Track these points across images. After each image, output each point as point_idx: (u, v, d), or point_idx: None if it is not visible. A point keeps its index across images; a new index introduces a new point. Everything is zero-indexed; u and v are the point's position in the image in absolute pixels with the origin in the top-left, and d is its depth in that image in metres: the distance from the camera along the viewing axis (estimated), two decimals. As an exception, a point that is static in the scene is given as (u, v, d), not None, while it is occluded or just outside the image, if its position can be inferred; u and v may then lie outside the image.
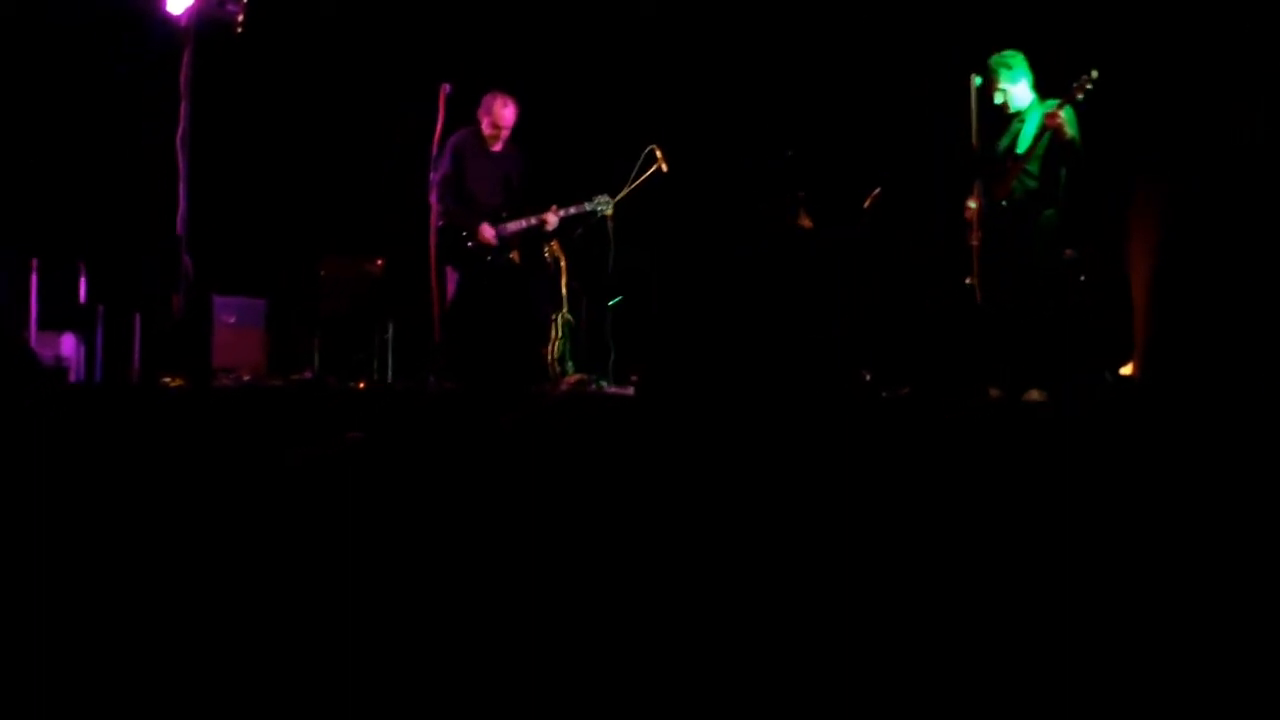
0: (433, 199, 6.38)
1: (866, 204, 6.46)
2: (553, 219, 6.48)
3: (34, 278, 6.65)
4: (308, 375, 7.35)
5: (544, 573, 2.42)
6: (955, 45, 6.53)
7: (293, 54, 7.73)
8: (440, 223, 6.35)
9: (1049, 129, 5.44)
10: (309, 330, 7.69)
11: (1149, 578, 2.39)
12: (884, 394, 5.77)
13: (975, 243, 5.70)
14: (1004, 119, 5.71)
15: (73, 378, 6.74)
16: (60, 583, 2.28)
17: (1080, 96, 5.38)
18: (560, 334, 6.93)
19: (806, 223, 6.14)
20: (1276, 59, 5.27)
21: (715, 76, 7.41)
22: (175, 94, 5.04)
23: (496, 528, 2.66)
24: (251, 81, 7.51)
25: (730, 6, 7.49)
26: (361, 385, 6.89)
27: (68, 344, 6.86)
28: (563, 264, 6.90)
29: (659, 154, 6.50)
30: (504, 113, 6.40)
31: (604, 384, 6.83)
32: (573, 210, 6.51)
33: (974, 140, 5.73)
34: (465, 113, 6.45)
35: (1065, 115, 5.41)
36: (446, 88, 6.22)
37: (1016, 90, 5.63)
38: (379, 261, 7.74)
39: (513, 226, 6.46)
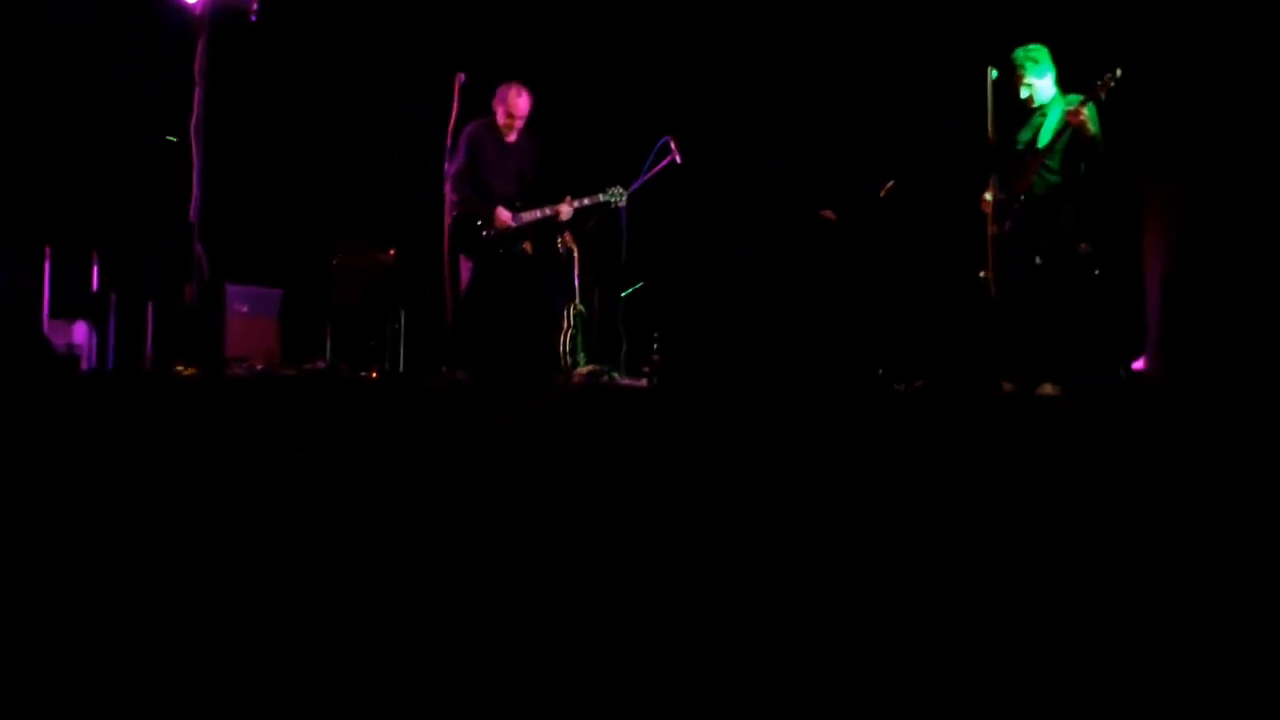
0: (447, 189, 6.38)
1: (882, 193, 6.44)
2: (566, 210, 6.48)
3: (47, 265, 6.67)
4: (320, 365, 7.35)
5: (555, 569, 2.41)
6: (962, 39, 6.53)
7: (308, 43, 7.73)
8: (455, 212, 6.35)
9: (1071, 126, 5.42)
10: (321, 320, 7.69)
11: (1161, 572, 2.38)
12: (898, 387, 5.76)
13: (991, 235, 5.69)
14: (1022, 112, 5.70)
15: (85, 366, 6.76)
16: (68, 571, 2.28)
17: (1103, 96, 5.37)
18: (573, 325, 6.93)
19: (829, 215, 6.13)
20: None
21: (726, 69, 7.39)
22: (189, 82, 5.04)
23: (505, 523, 2.66)
24: (266, 70, 7.52)
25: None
26: (374, 375, 6.89)
27: (80, 332, 6.88)
28: (575, 255, 6.90)
29: (673, 145, 6.50)
30: (518, 102, 6.40)
31: (616, 375, 6.83)
32: (586, 202, 6.52)
33: (990, 133, 5.71)
34: (480, 103, 6.44)
35: (1088, 113, 5.40)
36: (461, 78, 6.22)
37: (1042, 85, 5.63)
38: (391, 251, 7.74)
39: (527, 216, 6.46)
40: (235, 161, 6.82)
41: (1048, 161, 5.58)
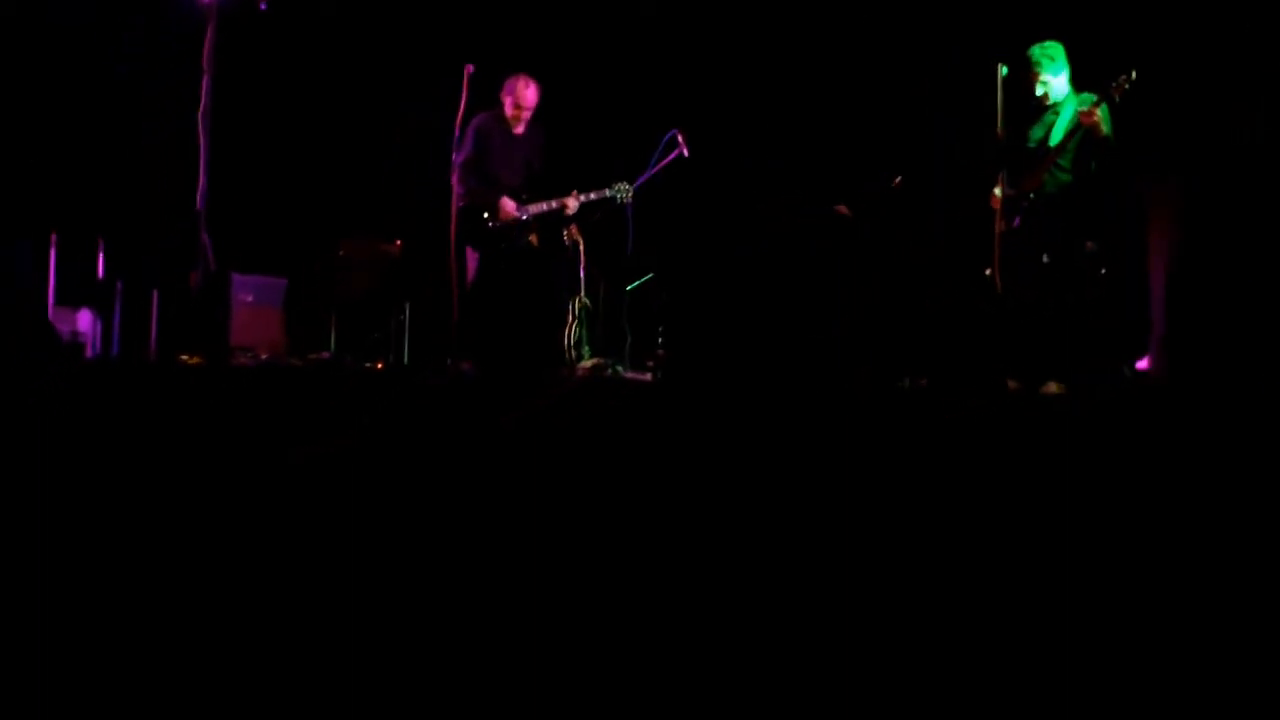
0: (454, 180, 6.38)
1: (895, 183, 6.43)
2: (573, 204, 6.49)
3: (53, 253, 6.67)
4: (325, 356, 7.35)
5: (558, 564, 2.41)
6: (968, 36, 6.52)
7: (316, 32, 7.72)
8: (461, 204, 6.35)
9: (1085, 127, 5.42)
10: (326, 310, 7.69)
11: (1165, 571, 2.38)
12: (904, 384, 5.75)
13: (999, 233, 5.69)
14: (1034, 109, 5.69)
15: (89, 353, 6.76)
16: (71, 559, 2.28)
17: (1118, 98, 5.36)
18: (577, 318, 6.93)
19: (844, 210, 6.12)
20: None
21: (730, 65, 7.39)
22: (197, 70, 5.04)
23: (508, 517, 2.66)
24: (273, 60, 7.51)
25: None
26: (379, 366, 6.90)
27: (85, 319, 6.89)
28: (581, 248, 6.89)
29: (680, 139, 6.49)
30: (526, 93, 6.40)
31: (620, 369, 6.83)
32: (593, 196, 6.52)
33: (999, 130, 5.69)
34: (488, 95, 6.44)
35: (1101, 113, 5.40)
36: (470, 69, 6.21)
37: (1057, 83, 5.62)
38: (398, 243, 7.74)
39: (533, 209, 6.47)
40: (242, 151, 6.83)
41: (1059, 160, 5.58)
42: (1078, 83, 5.65)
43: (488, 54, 6.38)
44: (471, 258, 6.46)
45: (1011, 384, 5.48)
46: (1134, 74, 5.30)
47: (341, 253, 7.67)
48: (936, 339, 6.28)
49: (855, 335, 5.40)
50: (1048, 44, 5.63)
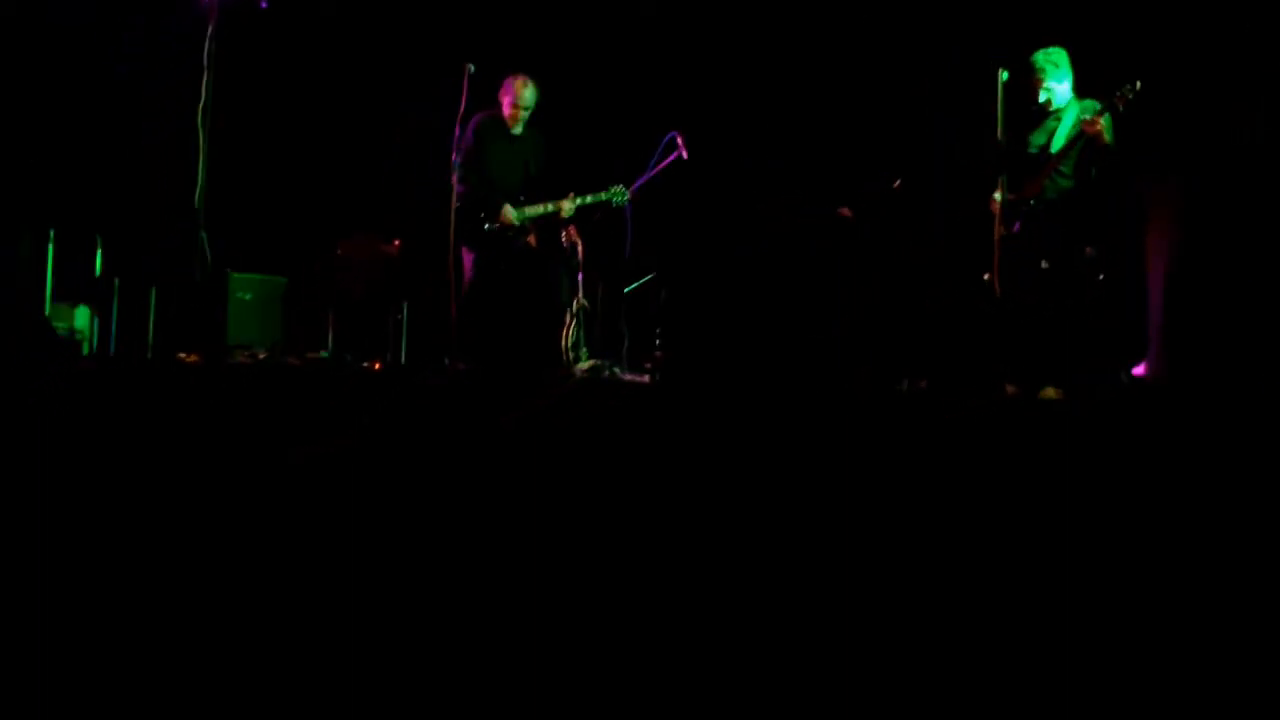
0: (454, 180, 6.37)
1: (895, 185, 6.43)
2: (569, 206, 6.49)
3: (50, 250, 6.66)
4: (323, 355, 7.35)
5: (557, 564, 2.41)
6: (967, 39, 6.53)
7: (316, 31, 7.72)
8: (459, 204, 6.34)
9: (1087, 135, 5.43)
10: (325, 310, 7.69)
11: (1162, 575, 2.38)
12: (903, 387, 5.76)
13: (998, 237, 5.69)
14: (1035, 114, 5.70)
15: (86, 351, 6.76)
16: (68, 558, 2.28)
17: (1121, 108, 5.37)
18: (575, 319, 6.93)
19: (846, 212, 6.12)
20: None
21: (731, 66, 7.39)
22: (197, 68, 5.04)
23: (506, 521, 2.66)
24: (273, 58, 7.51)
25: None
26: (377, 366, 6.89)
27: (82, 317, 6.88)
28: (580, 249, 6.89)
29: (680, 141, 6.49)
30: (524, 92, 6.40)
31: (618, 370, 6.84)
32: (589, 199, 6.52)
33: (999, 135, 5.69)
34: (488, 96, 6.44)
35: (1104, 123, 5.41)
36: (470, 69, 6.20)
37: (1061, 89, 5.64)
38: (396, 243, 7.74)
39: (530, 211, 6.46)
40: (241, 149, 6.82)
41: (1061, 166, 5.59)
42: (1079, 88, 5.66)
43: (487, 54, 6.37)
44: (467, 257, 6.45)
45: (1009, 388, 5.49)
46: (1138, 84, 5.31)
47: (340, 252, 7.67)
48: (935, 342, 6.29)
49: (855, 336, 5.40)
50: (1051, 50, 5.63)
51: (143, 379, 4.18)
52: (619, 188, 6.53)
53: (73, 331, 6.79)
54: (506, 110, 6.44)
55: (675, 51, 7.48)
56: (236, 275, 7.65)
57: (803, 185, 6.50)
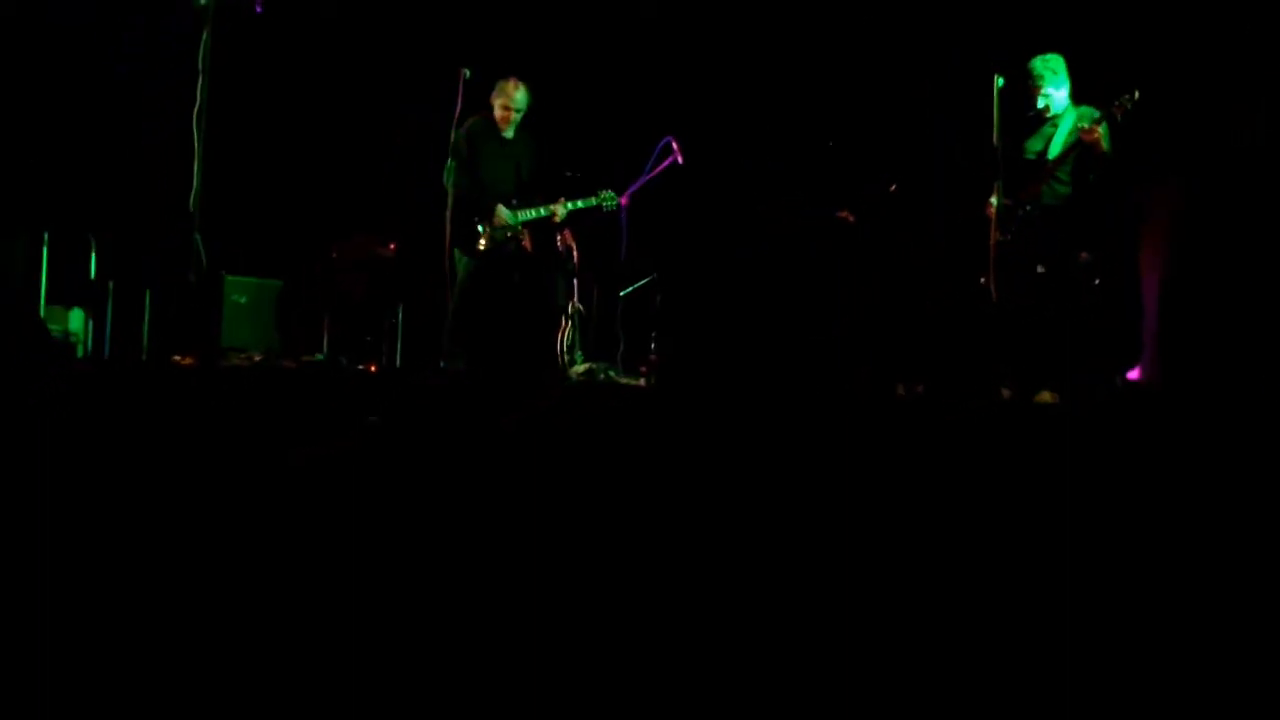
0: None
1: (892, 189, 6.45)
2: (560, 211, 6.49)
3: (44, 252, 6.64)
4: (318, 357, 7.35)
5: (556, 566, 2.41)
6: (965, 44, 6.54)
7: (312, 34, 7.71)
8: (452, 207, 6.32)
9: (1085, 144, 5.44)
10: (320, 312, 7.68)
11: (1157, 577, 2.39)
12: (900, 390, 5.77)
13: (994, 242, 5.69)
14: (1032, 120, 5.71)
15: (81, 354, 6.74)
16: (64, 561, 2.28)
17: (1119, 117, 5.38)
18: (571, 323, 6.93)
19: (848, 217, 6.13)
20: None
21: (729, 68, 7.40)
22: (193, 71, 5.03)
23: (505, 523, 2.66)
24: (269, 61, 7.50)
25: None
26: (373, 369, 6.89)
27: (76, 319, 6.87)
28: (575, 253, 6.89)
29: (675, 145, 6.50)
30: (516, 95, 6.40)
31: (614, 374, 6.84)
32: (580, 204, 6.52)
33: (995, 140, 5.70)
34: (484, 99, 6.44)
35: (1102, 130, 5.42)
36: (465, 73, 6.20)
37: (1059, 96, 5.65)
38: (392, 245, 7.73)
39: (522, 214, 6.46)
40: (236, 152, 6.81)
41: (1058, 172, 5.60)
42: (1076, 95, 5.68)
43: (483, 58, 6.37)
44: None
45: (1005, 392, 5.50)
46: (1136, 94, 5.32)
47: (335, 254, 7.66)
48: (931, 346, 6.30)
49: (855, 338, 5.41)
50: (1049, 57, 5.64)
51: (137, 382, 4.17)
52: (609, 193, 6.54)
53: (67, 334, 6.78)
54: (498, 113, 6.44)
55: (674, 54, 7.49)
56: (231, 278, 7.64)
57: (802, 188, 6.50)
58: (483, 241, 6.36)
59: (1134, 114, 5.39)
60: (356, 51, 7.86)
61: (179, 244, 5.06)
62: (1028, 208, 5.63)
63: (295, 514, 2.64)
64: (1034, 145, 5.70)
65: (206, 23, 5.02)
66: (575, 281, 6.92)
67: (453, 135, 6.26)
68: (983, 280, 5.77)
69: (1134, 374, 5.67)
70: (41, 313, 6.48)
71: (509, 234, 6.42)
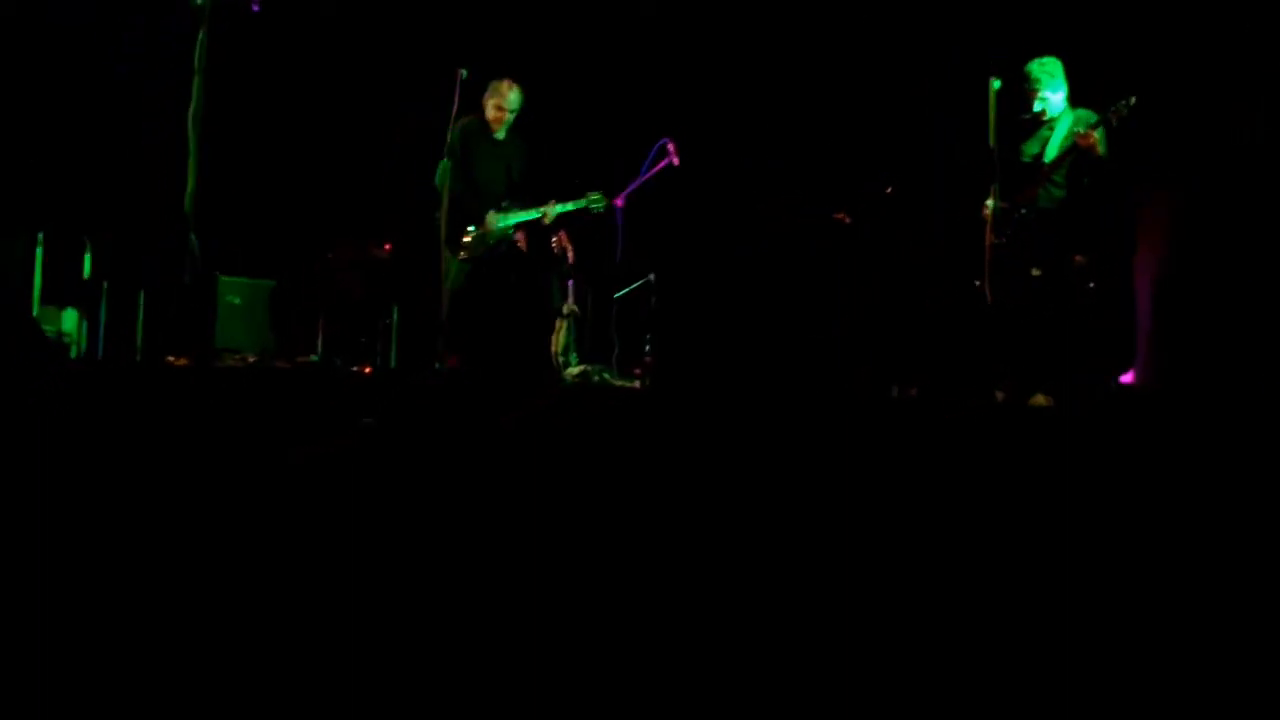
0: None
1: (889, 190, 6.45)
2: (550, 213, 6.47)
3: (39, 252, 6.64)
4: (313, 359, 7.34)
5: (552, 569, 2.41)
6: (962, 45, 6.54)
7: (309, 35, 7.71)
8: (444, 208, 6.31)
9: (1081, 148, 5.45)
10: (315, 313, 7.67)
11: (1150, 579, 2.39)
12: (894, 392, 5.78)
13: (990, 245, 5.70)
14: (1027, 123, 5.72)
15: (74, 354, 6.73)
16: (57, 560, 2.27)
17: (1115, 122, 5.39)
18: (565, 325, 6.93)
19: (844, 218, 6.14)
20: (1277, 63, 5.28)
21: (728, 68, 7.40)
22: (188, 72, 5.03)
23: (503, 524, 2.66)
24: (265, 62, 7.49)
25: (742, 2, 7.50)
26: (368, 370, 6.89)
27: (70, 320, 6.86)
28: (570, 255, 6.89)
29: (671, 147, 6.49)
30: (510, 95, 6.40)
31: (608, 376, 6.84)
32: (570, 206, 6.51)
33: (991, 143, 5.70)
34: (479, 101, 6.44)
35: (1098, 135, 5.43)
36: (462, 74, 6.20)
37: (1055, 99, 5.65)
38: (387, 246, 7.73)
39: (513, 217, 6.46)
40: (232, 153, 6.80)
41: (1054, 175, 5.61)
42: (1073, 98, 5.69)
43: (481, 59, 6.37)
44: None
45: (999, 395, 5.51)
46: (1133, 99, 5.33)
47: (330, 255, 7.66)
48: (926, 348, 6.31)
49: (855, 338, 5.41)
50: (1046, 60, 5.65)
51: (132, 383, 4.17)
52: (596, 194, 6.52)
53: (61, 334, 6.76)
54: (490, 113, 6.44)
55: (671, 54, 7.49)
56: (225, 279, 7.64)
57: (800, 188, 6.51)
58: (466, 239, 6.34)
59: (1130, 118, 5.40)
60: (352, 52, 7.85)
61: (174, 244, 5.05)
62: (1023, 211, 5.64)
63: (291, 515, 2.64)
64: (1030, 148, 5.70)
65: (203, 22, 5.01)
66: (571, 283, 6.92)
67: (448, 135, 6.25)
68: (978, 283, 5.78)
69: (1128, 377, 5.68)
70: (35, 313, 6.47)
71: (498, 239, 6.41)
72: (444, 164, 6.25)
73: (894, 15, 7.04)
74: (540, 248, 6.74)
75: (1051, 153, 5.61)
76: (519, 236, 6.51)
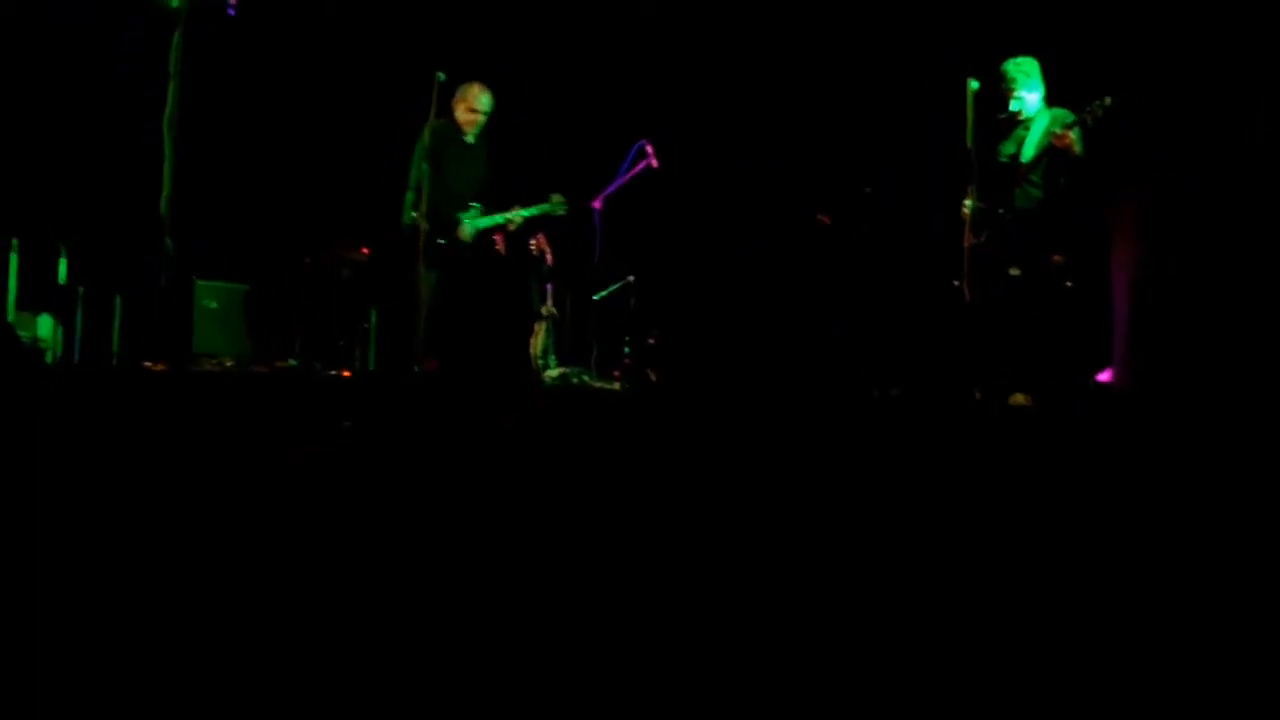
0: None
1: (866, 190, 6.47)
2: (516, 219, 6.45)
3: (13, 258, 6.59)
4: (291, 363, 7.31)
5: (548, 571, 2.41)
6: (941, 47, 6.57)
7: (286, 39, 7.69)
8: (417, 212, 6.28)
9: (1058, 149, 5.47)
10: (292, 317, 7.64)
11: (1128, 577, 2.40)
12: (877, 392, 5.79)
13: (968, 245, 5.72)
14: (1004, 123, 5.74)
15: (50, 359, 6.69)
16: (41, 567, 2.26)
17: (1091, 121, 5.42)
18: (544, 327, 6.92)
19: (825, 219, 6.15)
20: (1267, 64, 5.31)
21: (723, 69, 7.42)
22: (164, 75, 5.00)
23: (498, 525, 2.65)
24: (244, 66, 7.46)
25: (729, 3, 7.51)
26: (346, 374, 6.86)
27: (45, 325, 6.82)
28: (548, 257, 6.89)
29: (649, 149, 6.50)
30: (483, 98, 6.38)
31: (587, 378, 6.83)
32: (534, 210, 6.49)
33: (968, 143, 5.72)
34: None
35: (1074, 135, 5.45)
36: (440, 77, 6.18)
37: (1032, 99, 5.68)
38: (364, 250, 7.70)
39: (482, 221, 6.44)
40: (208, 157, 6.77)
41: (1031, 175, 5.63)
42: (1050, 97, 5.71)
43: (459, 63, 6.36)
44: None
45: (978, 394, 5.53)
46: (1108, 100, 5.36)
47: (307, 259, 7.63)
48: (906, 348, 6.33)
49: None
50: (1022, 60, 5.68)
51: (108, 388, 4.14)
52: (558, 197, 6.50)
53: (36, 340, 6.72)
54: (461, 115, 6.42)
55: (657, 56, 7.50)
56: (202, 283, 7.60)
57: (781, 190, 6.52)
58: (439, 240, 6.31)
59: (1105, 118, 5.43)
60: (329, 55, 7.83)
61: (148, 249, 5.03)
62: (1001, 210, 5.67)
63: (278, 520, 2.63)
64: (1007, 148, 5.73)
65: (178, 25, 4.99)
66: (549, 286, 6.91)
67: (423, 137, 6.24)
68: (956, 283, 5.80)
69: (1105, 376, 5.71)
70: (10, 318, 6.43)
71: (469, 240, 6.39)
72: (414, 169, 6.24)
73: (871, 17, 7.07)
74: (519, 250, 6.72)
75: (1028, 153, 5.63)
76: (497, 239, 6.50)
